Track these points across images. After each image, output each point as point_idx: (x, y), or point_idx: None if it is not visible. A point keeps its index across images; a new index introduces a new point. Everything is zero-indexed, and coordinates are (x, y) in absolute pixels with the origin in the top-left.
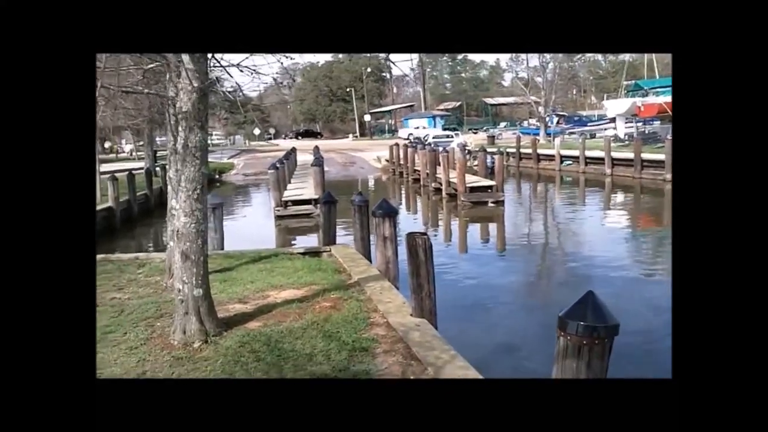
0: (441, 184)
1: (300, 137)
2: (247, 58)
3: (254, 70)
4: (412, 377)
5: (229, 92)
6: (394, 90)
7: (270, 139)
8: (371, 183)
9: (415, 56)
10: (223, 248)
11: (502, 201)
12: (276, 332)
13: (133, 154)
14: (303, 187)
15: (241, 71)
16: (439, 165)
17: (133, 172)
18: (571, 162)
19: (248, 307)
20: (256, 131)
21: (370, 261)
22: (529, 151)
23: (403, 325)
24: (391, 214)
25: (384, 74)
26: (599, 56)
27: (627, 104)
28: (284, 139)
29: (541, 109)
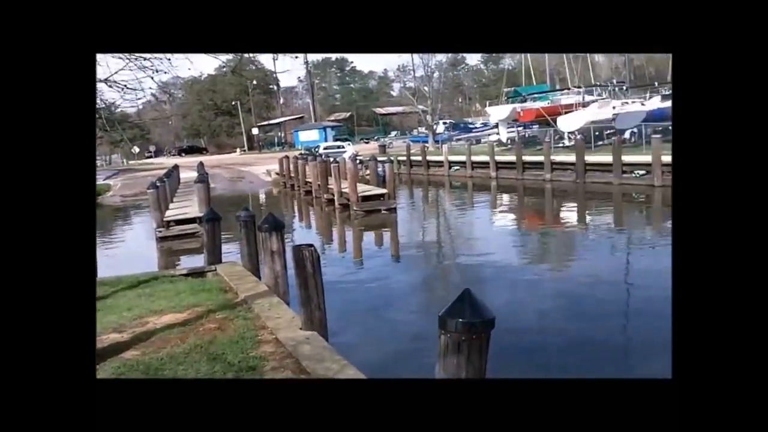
0: (333, 195)
1: (184, 154)
2: (115, 73)
3: (124, 86)
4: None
5: (100, 109)
6: (282, 101)
7: (150, 157)
8: (262, 197)
9: (302, 68)
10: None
11: (395, 208)
12: (156, 360)
13: None
14: (187, 206)
15: (110, 87)
16: (331, 176)
17: None
18: (459, 167)
19: (124, 336)
20: (135, 149)
21: (259, 278)
22: (419, 158)
23: (292, 340)
24: (277, 227)
25: (271, 86)
26: (482, 65)
27: (508, 110)
28: (167, 156)
29: (428, 117)
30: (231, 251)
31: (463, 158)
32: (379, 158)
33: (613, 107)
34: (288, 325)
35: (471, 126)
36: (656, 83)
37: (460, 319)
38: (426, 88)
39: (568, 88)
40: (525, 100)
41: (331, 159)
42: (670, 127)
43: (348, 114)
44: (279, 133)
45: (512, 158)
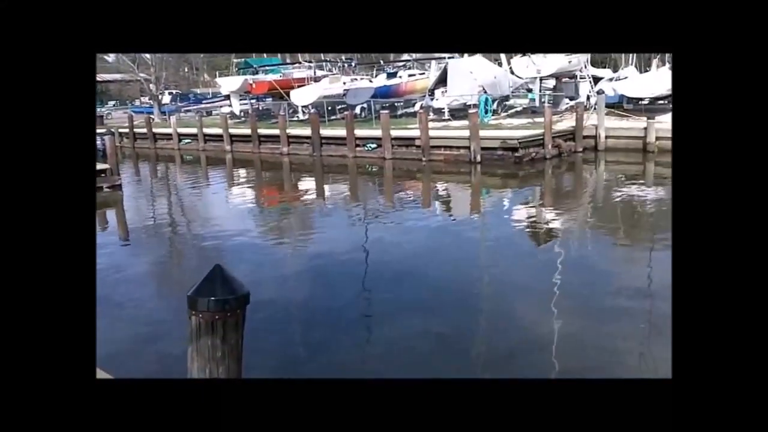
0: None
1: None
2: None
3: None
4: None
5: None
6: None
7: None
8: None
9: None
10: None
11: (119, 185)
12: None
13: None
14: None
15: None
16: None
17: None
18: (190, 140)
19: None
20: None
21: None
22: (145, 131)
23: None
24: None
25: None
26: None
27: (239, 82)
28: None
29: (152, 86)
30: None
31: (194, 131)
32: (97, 130)
33: (344, 83)
34: None
35: (200, 97)
36: (381, 61)
37: (212, 298)
38: (148, 56)
39: (300, 62)
40: (257, 72)
41: None
42: (396, 104)
43: None
44: None
45: (247, 131)
